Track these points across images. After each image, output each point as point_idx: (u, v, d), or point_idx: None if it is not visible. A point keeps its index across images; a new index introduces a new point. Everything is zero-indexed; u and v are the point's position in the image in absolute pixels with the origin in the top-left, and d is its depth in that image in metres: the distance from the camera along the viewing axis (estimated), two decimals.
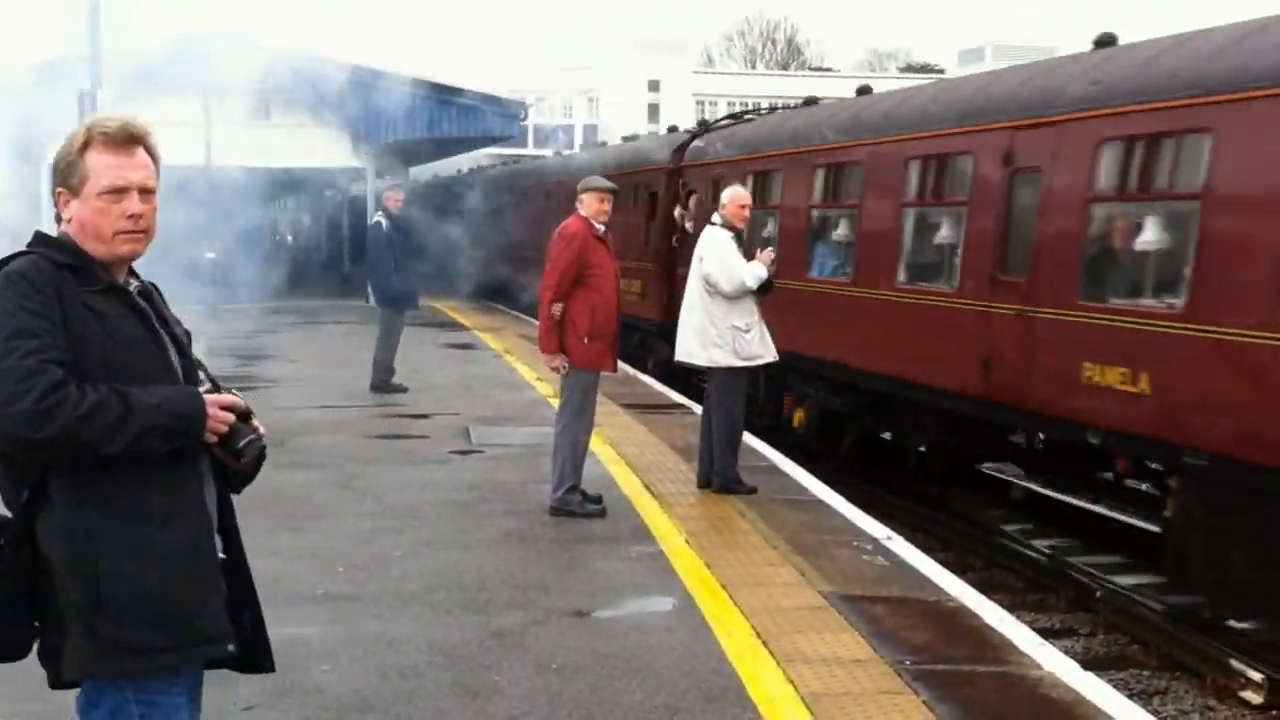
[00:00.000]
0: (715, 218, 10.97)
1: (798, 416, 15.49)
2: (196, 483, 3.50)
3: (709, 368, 10.85)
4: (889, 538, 9.54)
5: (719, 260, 10.64)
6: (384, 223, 16.74)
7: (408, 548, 8.98)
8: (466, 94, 33.13)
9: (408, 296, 17.09)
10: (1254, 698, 8.64)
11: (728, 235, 10.79)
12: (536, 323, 10.59)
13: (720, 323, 10.64)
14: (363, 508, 10.25)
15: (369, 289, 19.86)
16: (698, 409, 12.34)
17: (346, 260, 39.29)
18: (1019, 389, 11.15)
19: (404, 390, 16.58)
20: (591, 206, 10.03)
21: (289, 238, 54.74)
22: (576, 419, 10.05)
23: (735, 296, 10.62)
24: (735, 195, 11.07)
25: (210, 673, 6.36)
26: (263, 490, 11.26)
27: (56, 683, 3.47)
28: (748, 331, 10.68)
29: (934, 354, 12.46)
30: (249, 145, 31.24)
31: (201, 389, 3.50)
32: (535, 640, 7.04)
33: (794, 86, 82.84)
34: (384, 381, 16.73)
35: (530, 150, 44.91)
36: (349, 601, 7.76)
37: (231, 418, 3.48)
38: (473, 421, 14.32)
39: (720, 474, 10.80)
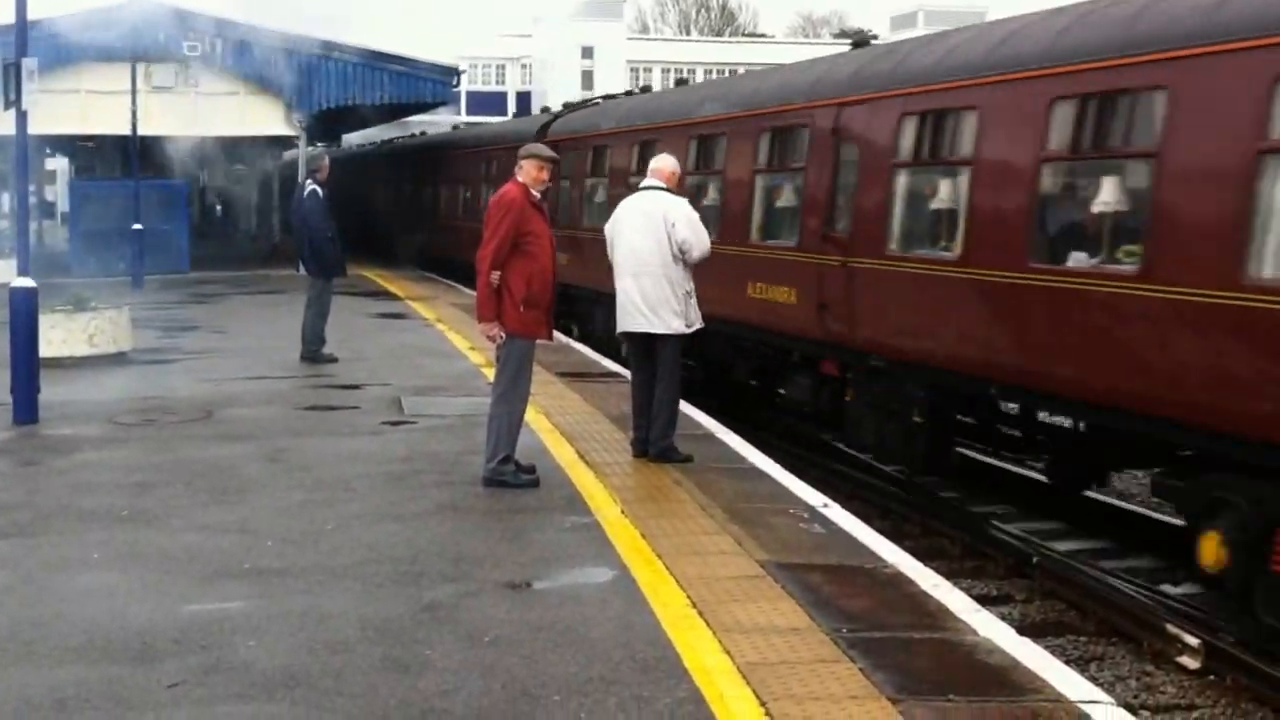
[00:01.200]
0: (659, 182, 10.78)
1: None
2: None
3: (663, 336, 10.67)
4: (825, 505, 9.50)
5: (690, 224, 10.56)
6: (319, 190, 16.56)
7: (338, 521, 8.83)
8: (399, 59, 32.80)
9: (339, 265, 16.96)
10: (1190, 663, 8.68)
11: (685, 200, 10.80)
12: (470, 292, 10.44)
13: (679, 290, 10.58)
14: (292, 480, 10.08)
15: (299, 259, 19.64)
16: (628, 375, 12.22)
17: (276, 230, 38.85)
18: None
19: (334, 360, 16.38)
20: (530, 173, 9.87)
21: (217, 207, 54.17)
22: (512, 388, 9.91)
23: (700, 262, 10.65)
24: (673, 164, 11.02)
25: (134, 650, 6.28)
26: (190, 464, 11.14)
27: None
28: (691, 298, 10.67)
29: None
30: (177, 114, 30.82)
31: None
32: (468, 613, 6.93)
33: (728, 53, 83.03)
34: (314, 352, 16.53)
35: (464, 118, 44.54)
36: (277, 576, 7.61)
37: None
38: (405, 392, 14.15)
39: (657, 443, 10.71)
